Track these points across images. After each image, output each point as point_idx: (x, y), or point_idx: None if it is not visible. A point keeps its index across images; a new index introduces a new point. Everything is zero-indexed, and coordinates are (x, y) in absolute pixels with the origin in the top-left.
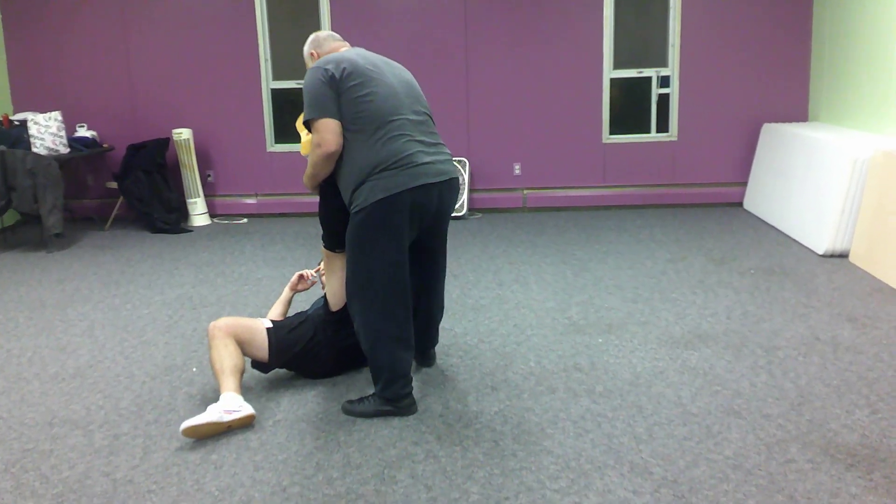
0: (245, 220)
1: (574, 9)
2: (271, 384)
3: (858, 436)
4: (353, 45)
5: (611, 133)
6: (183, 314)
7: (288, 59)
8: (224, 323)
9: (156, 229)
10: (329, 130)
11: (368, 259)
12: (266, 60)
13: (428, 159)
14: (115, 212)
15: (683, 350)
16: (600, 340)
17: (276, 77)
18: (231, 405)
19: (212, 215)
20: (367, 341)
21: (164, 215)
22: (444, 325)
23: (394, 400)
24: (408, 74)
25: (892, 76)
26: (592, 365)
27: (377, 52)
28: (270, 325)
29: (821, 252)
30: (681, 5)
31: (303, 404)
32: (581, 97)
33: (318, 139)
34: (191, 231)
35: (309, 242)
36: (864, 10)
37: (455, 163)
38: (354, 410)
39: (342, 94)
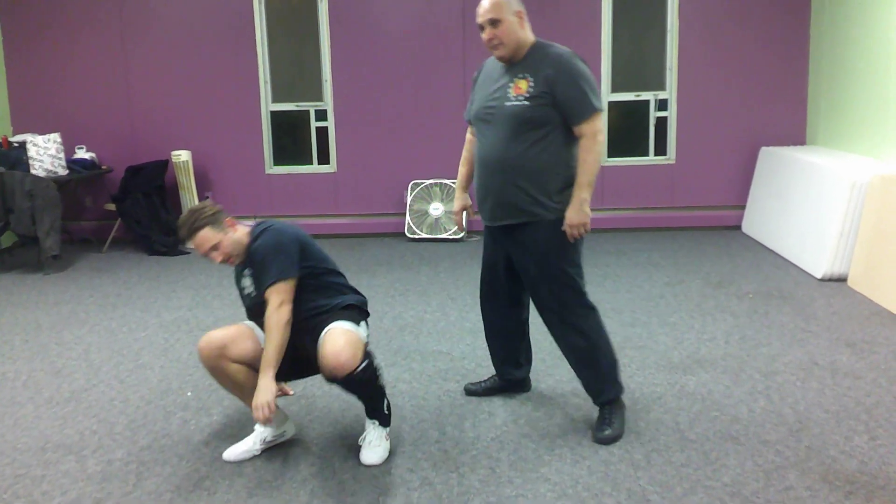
0: None
1: (571, 32)
2: None
3: (857, 462)
4: (353, 66)
5: (609, 156)
6: (179, 337)
7: (287, 81)
8: (207, 352)
9: (153, 252)
10: (603, 122)
11: (578, 265)
12: (266, 82)
13: None
14: (112, 234)
15: (681, 375)
16: None
17: (276, 99)
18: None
19: None
20: (591, 345)
21: (162, 238)
22: (441, 348)
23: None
24: None
25: (890, 100)
26: None
27: (376, 74)
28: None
29: (819, 276)
30: (678, 29)
31: (297, 430)
32: None
33: (597, 129)
34: (188, 253)
35: None
36: (862, 35)
37: None
38: (612, 436)
39: None
